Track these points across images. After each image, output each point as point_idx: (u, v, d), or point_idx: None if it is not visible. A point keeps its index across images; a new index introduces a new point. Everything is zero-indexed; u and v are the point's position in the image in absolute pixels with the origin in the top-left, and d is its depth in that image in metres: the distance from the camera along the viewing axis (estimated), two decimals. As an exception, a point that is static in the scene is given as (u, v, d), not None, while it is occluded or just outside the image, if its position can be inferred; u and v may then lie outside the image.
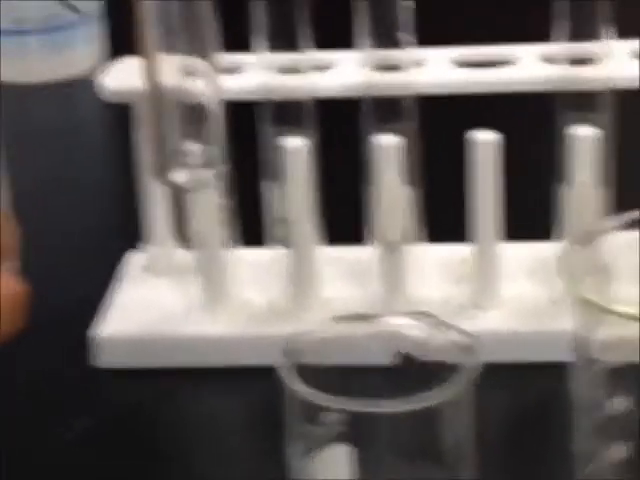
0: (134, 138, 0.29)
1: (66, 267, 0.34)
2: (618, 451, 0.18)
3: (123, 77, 0.28)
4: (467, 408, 0.16)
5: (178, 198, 0.28)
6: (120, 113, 0.32)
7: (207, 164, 0.25)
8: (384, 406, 0.15)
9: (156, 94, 0.25)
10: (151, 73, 0.24)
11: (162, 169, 0.25)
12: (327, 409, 0.15)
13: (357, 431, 0.15)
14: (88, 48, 0.45)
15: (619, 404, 0.17)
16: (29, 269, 0.18)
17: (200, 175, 0.26)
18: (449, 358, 0.16)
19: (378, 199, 0.27)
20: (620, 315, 0.16)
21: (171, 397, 0.27)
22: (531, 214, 0.31)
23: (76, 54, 0.45)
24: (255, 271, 0.29)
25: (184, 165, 0.25)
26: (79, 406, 0.26)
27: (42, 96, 0.47)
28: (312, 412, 0.15)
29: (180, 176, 0.26)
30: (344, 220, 0.30)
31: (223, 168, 0.26)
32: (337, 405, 0.15)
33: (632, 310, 0.15)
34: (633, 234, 0.18)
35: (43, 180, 0.41)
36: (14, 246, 0.18)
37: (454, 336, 0.17)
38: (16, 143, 0.38)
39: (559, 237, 0.26)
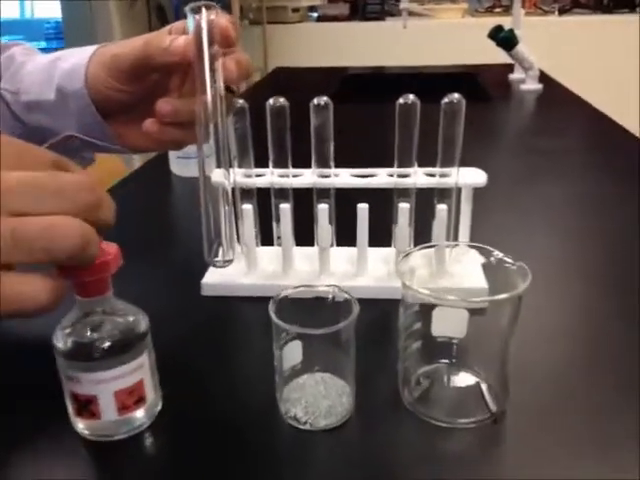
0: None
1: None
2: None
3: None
4: (351, 327, 0.36)
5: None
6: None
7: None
8: (312, 331, 0.35)
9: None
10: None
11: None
12: (288, 331, 0.36)
13: (303, 338, 0.36)
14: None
15: (418, 328, 0.37)
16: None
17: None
18: (341, 297, 0.37)
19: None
20: (414, 290, 0.36)
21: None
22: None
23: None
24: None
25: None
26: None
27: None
28: (279, 331, 0.36)
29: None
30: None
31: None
32: (292, 329, 0.35)
33: (419, 289, 0.35)
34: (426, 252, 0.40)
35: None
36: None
37: (345, 295, 0.38)
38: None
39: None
